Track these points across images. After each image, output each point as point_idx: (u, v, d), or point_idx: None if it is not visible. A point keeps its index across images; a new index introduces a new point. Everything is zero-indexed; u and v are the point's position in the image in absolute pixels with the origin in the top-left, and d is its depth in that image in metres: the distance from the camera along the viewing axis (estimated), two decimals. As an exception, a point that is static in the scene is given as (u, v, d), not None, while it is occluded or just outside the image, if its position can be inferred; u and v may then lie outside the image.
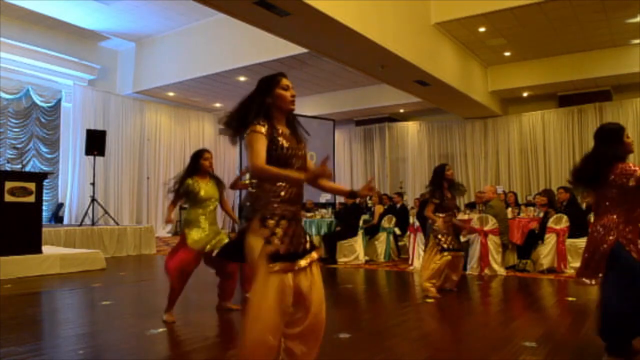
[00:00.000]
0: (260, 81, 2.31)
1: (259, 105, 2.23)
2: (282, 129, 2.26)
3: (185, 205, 4.20)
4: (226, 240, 4.05)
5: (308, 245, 2.28)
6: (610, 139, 2.82)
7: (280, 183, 2.17)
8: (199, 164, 4.07)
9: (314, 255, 2.29)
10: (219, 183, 4.18)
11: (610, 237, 2.72)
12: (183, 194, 4.03)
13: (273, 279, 2.10)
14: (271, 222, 2.15)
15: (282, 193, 2.18)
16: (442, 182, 5.21)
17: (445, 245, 5.19)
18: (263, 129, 2.16)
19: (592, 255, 2.84)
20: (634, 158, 11.00)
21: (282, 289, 2.10)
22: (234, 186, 4.59)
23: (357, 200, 9.19)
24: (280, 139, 2.19)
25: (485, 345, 3.38)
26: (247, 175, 5.43)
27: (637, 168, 2.67)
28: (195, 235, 3.95)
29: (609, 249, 2.72)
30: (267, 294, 2.08)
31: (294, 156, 2.23)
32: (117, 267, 7.68)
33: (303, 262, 2.20)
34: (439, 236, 5.22)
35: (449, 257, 5.20)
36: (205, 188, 4.02)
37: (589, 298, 4.79)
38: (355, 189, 2.43)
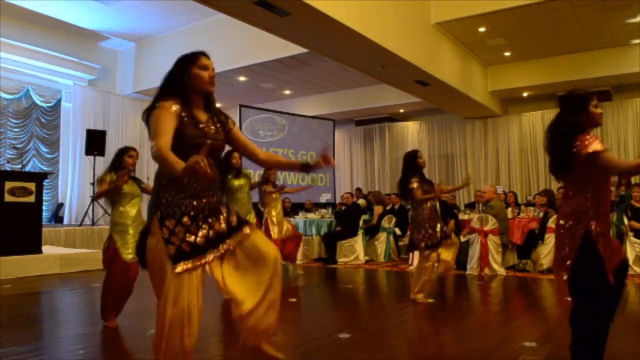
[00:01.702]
0: (177, 60, 2.15)
1: (171, 83, 2.08)
2: (198, 113, 2.09)
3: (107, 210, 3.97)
4: None
5: (226, 225, 2.10)
6: (575, 106, 2.52)
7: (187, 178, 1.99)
8: (122, 160, 3.90)
9: (245, 230, 2.11)
10: (138, 182, 4.01)
11: (579, 228, 2.44)
12: (115, 189, 3.78)
13: (180, 281, 1.96)
14: (171, 221, 2.00)
15: (183, 186, 2.02)
16: (416, 168, 4.87)
17: (428, 242, 4.78)
18: (173, 107, 1.98)
19: (562, 252, 2.52)
20: (634, 157, 11.01)
21: (192, 288, 1.98)
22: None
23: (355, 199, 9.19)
24: (189, 123, 2.01)
25: (485, 345, 3.38)
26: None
27: (597, 141, 2.35)
28: (129, 246, 3.73)
29: (579, 242, 2.43)
30: (178, 298, 1.94)
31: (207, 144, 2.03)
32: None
33: (220, 248, 2.06)
34: (422, 231, 4.79)
35: (434, 255, 4.84)
36: (128, 184, 3.85)
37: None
38: (308, 161, 2.24)
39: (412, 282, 5.00)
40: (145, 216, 2.35)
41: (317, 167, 2.21)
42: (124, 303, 3.90)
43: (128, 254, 3.74)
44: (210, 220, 2.08)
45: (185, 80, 2.08)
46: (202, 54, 2.16)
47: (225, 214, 2.14)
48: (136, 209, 3.90)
